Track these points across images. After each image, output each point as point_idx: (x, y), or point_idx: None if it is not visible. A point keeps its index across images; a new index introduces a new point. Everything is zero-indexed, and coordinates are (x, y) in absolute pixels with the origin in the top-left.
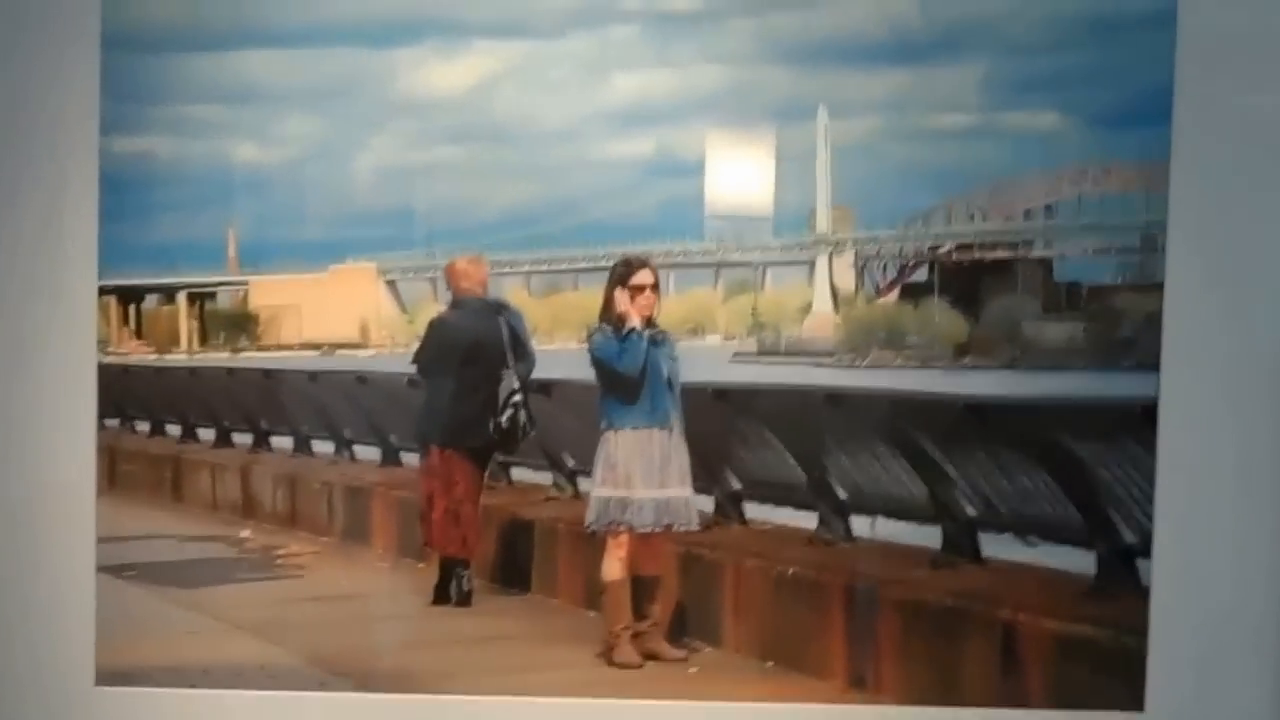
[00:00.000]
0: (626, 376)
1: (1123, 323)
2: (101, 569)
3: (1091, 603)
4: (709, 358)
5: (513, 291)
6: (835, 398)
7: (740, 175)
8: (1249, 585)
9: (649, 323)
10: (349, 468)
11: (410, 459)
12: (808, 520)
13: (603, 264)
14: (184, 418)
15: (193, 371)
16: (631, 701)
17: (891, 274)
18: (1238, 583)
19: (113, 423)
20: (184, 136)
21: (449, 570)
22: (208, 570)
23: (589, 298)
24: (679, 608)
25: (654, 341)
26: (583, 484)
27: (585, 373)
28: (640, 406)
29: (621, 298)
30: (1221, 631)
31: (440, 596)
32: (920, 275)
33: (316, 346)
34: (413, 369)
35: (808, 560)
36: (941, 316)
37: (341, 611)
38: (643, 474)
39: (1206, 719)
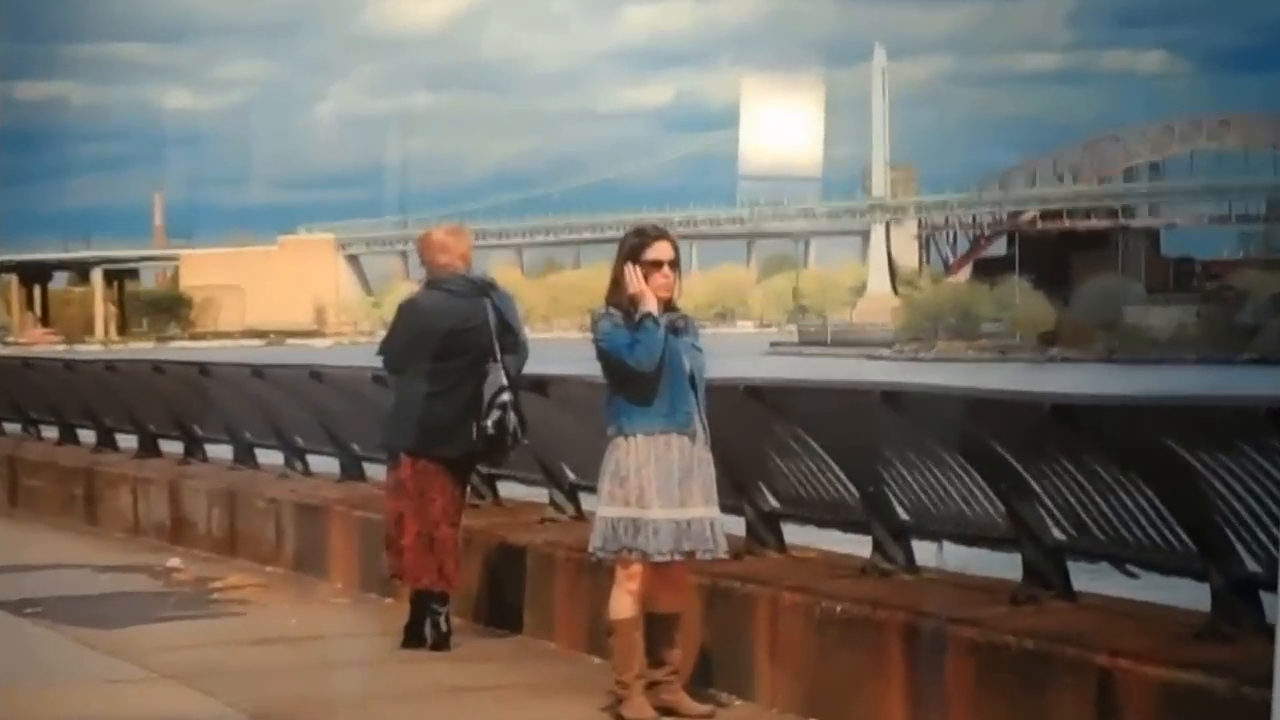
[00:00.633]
0: (640, 371)
1: (1244, 306)
2: None
3: (1205, 645)
4: (740, 348)
5: (501, 268)
6: (894, 397)
7: (780, 128)
8: None
9: (667, 306)
10: (301, 482)
11: (376, 472)
12: (860, 546)
13: (611, 235)
14: (100, 422)
15: (111, 366)
16: None
17: (963, 247)
18: None
19: (13, 427)
20: (102, 81)
21: (422, 607)
22: (129, 607)
23: (594, 276)
24: (703, 652)
25: (673, 329)
26: (586, 502)
27: (590, 367)
28: (656, 408)
29: (634, 276)
30: None
31: (412, 639)
32: (997, 249)
33: (262, 335)
34: (379, 362)
35: (860, 595)
36: (1023, 299)
37: (292, 657)
38: (659, 489)
39: None
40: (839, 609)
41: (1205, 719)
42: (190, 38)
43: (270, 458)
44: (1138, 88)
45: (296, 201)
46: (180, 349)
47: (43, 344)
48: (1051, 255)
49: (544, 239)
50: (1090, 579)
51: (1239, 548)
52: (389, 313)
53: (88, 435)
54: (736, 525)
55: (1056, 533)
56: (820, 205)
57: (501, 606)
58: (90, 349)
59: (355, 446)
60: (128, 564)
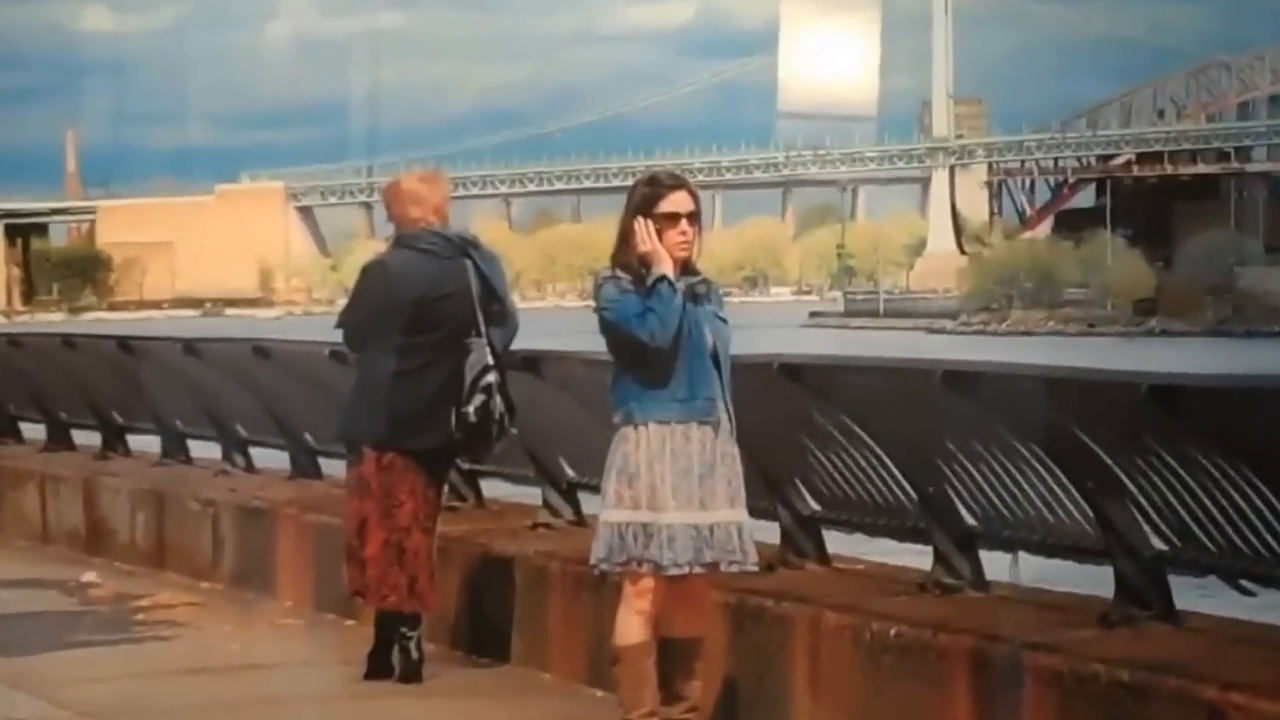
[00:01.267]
0: (652, 347)
1: None
2: None
3: None
4: (774, 319)
5: (486, 223)
6: (959, 378)
7: (828, 54)
8: None
9: (685, 268)
10: (243, 481)
11: (333, 468)
12: (918, 557)
13: (618, 182)
14: (1, 408)
15: (14, 340)
16: None
17: (1042, 197)
18: None
19: None
20: None
21: (390, 630)
22: (35, 629)
23: (597, 232)
24: (728, 685)
25: (693, 296)
26: (587, 503)
27: (592, 341)
28: (672, 391)
29: (646, 232)
30: None
31: (378, 668)
32: (1084, 199)
33: (196, 304)
34: (338, 336)
35: (919, 615)
36: (1116, 259)
37: (232, 691)
38: (675, 489)
39: None
40: (893, 632)
41: None
42: None
43: (206, 450)
44: (1256, 4)
45: (238, 143)
46: (97, 320)
47: None
48: (1150, 206)
49: (537, 187)
50: (1197, 596)
51: None
52: (349, 277)
53: None
54: (769, 532)
55: (1156, 541)
56: (870, 147)
57: (485, 630)
58: None
59: (308, 437)
60: (33, 578)
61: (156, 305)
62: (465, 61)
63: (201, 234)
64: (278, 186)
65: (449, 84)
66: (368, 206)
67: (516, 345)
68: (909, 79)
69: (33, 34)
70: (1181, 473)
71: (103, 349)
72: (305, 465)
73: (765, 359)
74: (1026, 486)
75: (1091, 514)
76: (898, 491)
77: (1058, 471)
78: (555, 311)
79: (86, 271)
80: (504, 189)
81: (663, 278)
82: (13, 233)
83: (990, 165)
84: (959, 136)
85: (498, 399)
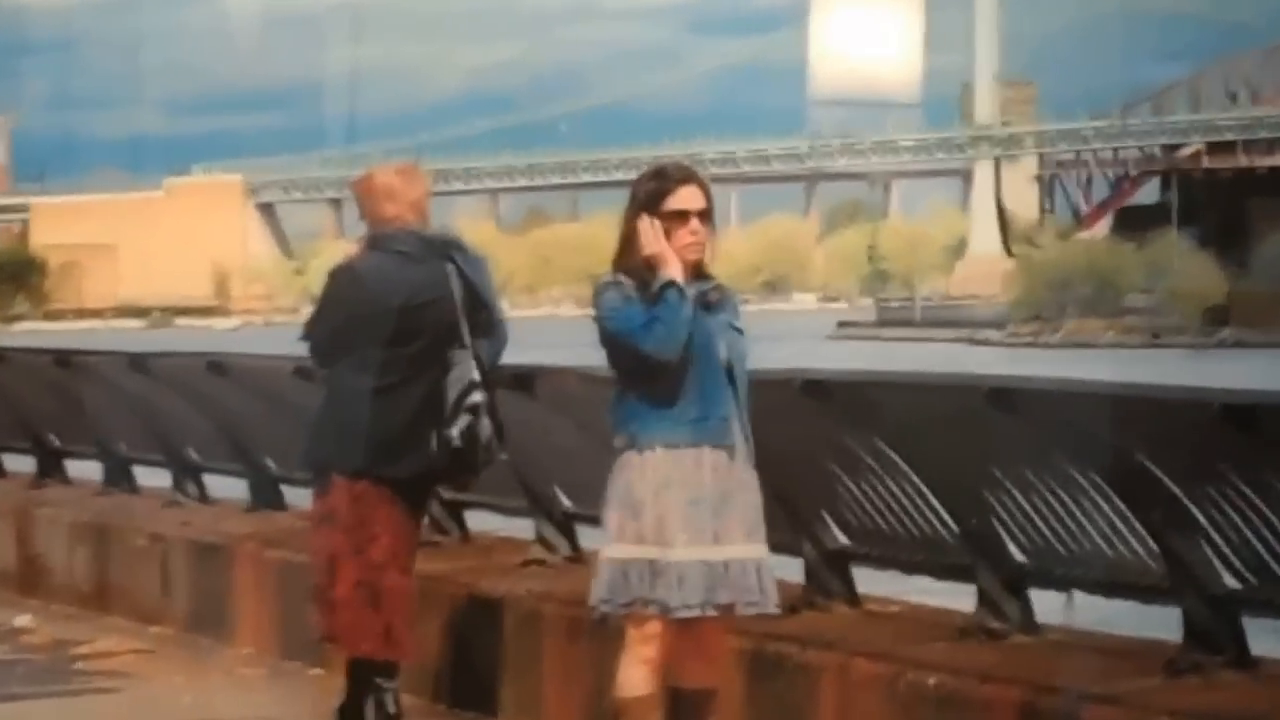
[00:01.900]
0: (659, 360)
1: None
2: None
3: None
4: (797, 329)
5: (471, 221)
6: (1006, 396)
7: (862, 33)
8: None
9: (696, 272)
10: (196, 512)
11: (298, 498)
12: (959, 598)
13: (620, 176)
14: None
15: None
16: None
17: (1100, 193)
18: None
19: None
20: None
21: (363, 681)
22: None
23: (596, 231)
24: None
25: (704, 303)
26: (586, 538)
27: (592, 355)
28: (681, 411)
29: (651, 231)
30: None
31: None
32: (1147, 194)
33: (143, 313)
34: (303, 349)
35: (961, 663)
36: (1184, 261)
37: None
38: (685, 521)
39: None
40: (932, 683)
41: None
42: None
43: (154, 478)
44: None
45: (191, 131)
46: (31, 331)
47: None
48: (1222, 203)
49: (528, 181)
50: (1275, 640)
51: None
52: (317, 283)
53: None
54: (792, 569)
55: (1228, 579)
56: (905, 135)
57: (470, 680)
58: None
59: (270, 463)
60: None
61: (98, 314)
62: (449, 39)
63: (149, 234)
64: (235, 180)
65: (430, 64)
66: (336, 203)
67: (506, 359)
68: (949, 58)
69: None
70: (1258, 502)
71: (37, 364)
72: (267, 495)
73: (787, 375)
74: (1083, 518)
75: (1156, 549)
76: (937, 524)
77: (1118, 501)
78: (549, 321)
79: (19, 277)
80: (491, 183)
81: (670, 283)
82: None
83: (1041, 156)
84: (1006, 124)
85: (485, 420)
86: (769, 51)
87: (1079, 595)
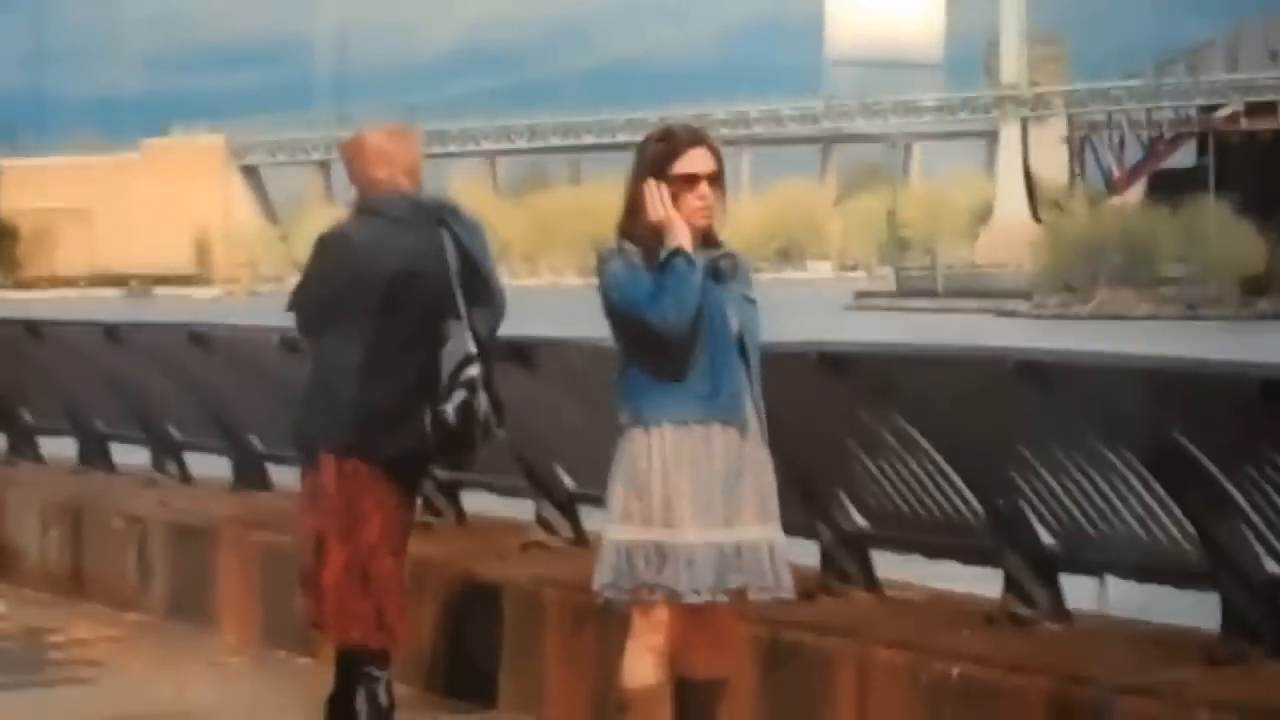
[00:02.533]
0: (666, 333)
1: None
2: None
3: None
4: (813, 300)
5: (467, 186)
6: (1034, 371)
7: None
8: None
9: (706, 240)
10: (176, 492)
11: (284, 477)
12: (985, 582)
13: (624, 138)
14: None
15: None
16: None
17: (1133, 155)
18: None
19: None
20: None
21: (353, 670)
22: None
23: (599, 197)
24: None
25: (715, 273)
26: (589, 519)
27: (595, 326)
28: (691, 386)
29: (659, 197)
30: None
31: (339, 715)
32: (1183, 158)
33: (120, 281)
34: (290, 321)
35: (987, 652)
36: (1221, 229)
37: None
38: (695, 502)
39: None
40: (956, 673)
41: None
42: None
43: (131, 456)
44: None
45: (171, 88)
46: (1, 300)
47: None
48: (1261, 166)
49: (528, 143)
50: None
51: None
52: (303, 250)
53: None
54: (807, 552)
55: (1270, 564)
56: (927, 95)
57: (467, 670)
58: None
59: (254, 440)
60: None
61: (72, 283)
62: None
63: (126, 198)
64: (217, 141)
65: (425, 18)
66: (324, 166)
67: (504, 331)
68: (974, 14)
69: None
70: None
71: (8, 335)
72: (250, 474)
73: (802, 348)
74: (1116, 500)
75: (1194, 532)
76: (961, 505)
77: (1153, 482)
78: (550, 291)
79: None
80: (489, 145)
81: (678, 251)
82: None
83: (1070, 118)
84: (1033, 83)
85: (481, 396)
86: (784, 6)
87: (1112, 581)
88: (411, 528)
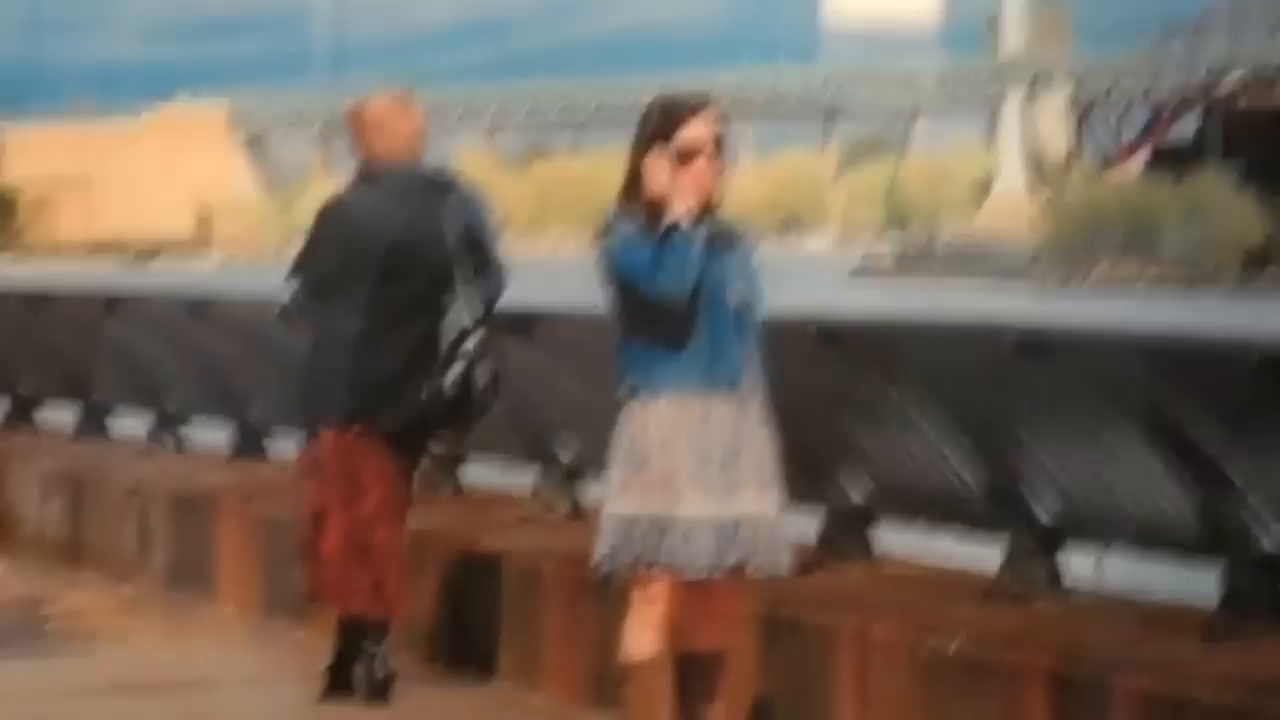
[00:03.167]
0: (666, 304)
1: None
2: None
3: None
4: (814, 271)
5: (467, 155)
6: (1035, 343)
7: None
8: None
9: (707, 211)
10: (175, 463)
11: (284, 448)
12: (985, 556)
13: (626, 107)
14: None
15: None
16: None
17: (1134, 128)
18: None
19: None
20: None
21: (352, 640)
22: None
23: (600, 167)
24: (759, 708)
25: (714, 244)
26: (588, 493)
27: (596, 297)
28: (690, 358)
29: (659, 168)
30: None
31: (337, 685)
32: (1185, 130)
33: (120, 250)
34: (290, 290)
35: (986, 627)
36: (1223, 202)
37: (164, 712)
38: (694, 476)
39: None
40: (955, 648)
41: None
42: None
43: (131, 427)
44: None
45: (173, 57)
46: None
47: None
48: (1264, 139)
49: (528, 114)
50: None
51: None
52: (304, 219)
53: None
54: (806, 526)
55: (1267, 541)
56: (928, 66)
57: (466, 641)
58: None
59: (254, 411)
60: None
61: (72, 252)
62: None
63: (126, 167)
64: (218, 109)
65: None
66: (325, 136)
67: (504, 302)
68: None
69: None
70: None
71: (6, 304)
72: (250, 444)
73: (802, 320)
74: (1114, 473)
75: (1194, 505)
76: (960, 478)
77: (1152, 456)
78: (551, 262)
79: None
80: (488, 115)
81: (678, 222)
82: None
83: (1072, 90)
84: (1035, 55)
85: (481, 367)
86: None
87: (1110, 557)
88: (410, 500)
